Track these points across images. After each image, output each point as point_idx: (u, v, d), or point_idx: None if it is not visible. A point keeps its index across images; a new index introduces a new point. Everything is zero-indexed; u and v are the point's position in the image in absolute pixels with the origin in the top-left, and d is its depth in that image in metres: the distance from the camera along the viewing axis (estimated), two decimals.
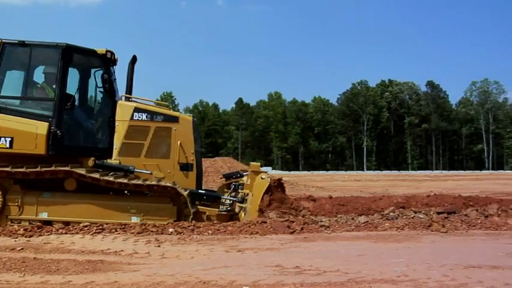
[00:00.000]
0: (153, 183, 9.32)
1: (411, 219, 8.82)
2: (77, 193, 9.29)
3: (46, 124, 9.05)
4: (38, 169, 8.94)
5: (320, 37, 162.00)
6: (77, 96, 9.87)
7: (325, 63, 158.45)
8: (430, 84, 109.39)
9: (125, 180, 9.19)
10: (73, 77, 9.95)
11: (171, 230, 7.94)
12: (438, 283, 4.59)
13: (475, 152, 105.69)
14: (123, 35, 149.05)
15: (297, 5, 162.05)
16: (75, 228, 8.07)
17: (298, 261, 5.63)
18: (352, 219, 8.83)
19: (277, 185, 10.03)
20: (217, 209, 10.10)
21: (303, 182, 30.89)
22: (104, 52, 9.79)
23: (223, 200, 10.44)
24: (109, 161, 9.93)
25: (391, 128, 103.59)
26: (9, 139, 8.97)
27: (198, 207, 9.64)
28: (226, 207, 10.34)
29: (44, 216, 9.04)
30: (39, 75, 9.71)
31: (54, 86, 9.44)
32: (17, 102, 9.68)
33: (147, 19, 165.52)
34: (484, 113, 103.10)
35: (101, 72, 9.86)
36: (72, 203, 9.14)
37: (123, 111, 10.03)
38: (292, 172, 59.27)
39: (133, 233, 7.74)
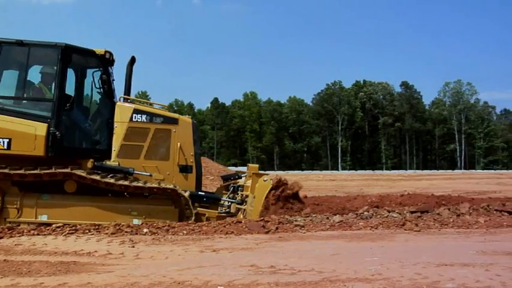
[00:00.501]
0: (156, 185, 9.33)
1: (385, 219, 8.92)
2: (77, 195, 9.22)
3: (45, 125, 8.94)
4: (38, 171, 8.84)
5: (296, 37, 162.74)
6: (75, 97, 9.72)
7: (301, 63, 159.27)
8: (405, 84, 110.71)
9: (126, 183, 9.16)
10: (71, 77, 9.84)
11: (145, 230, 7.89)
12: (411, 281, 4.65)
13: (447, 152, 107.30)
14: (97, 33, 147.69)
15: (273, 5, 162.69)
16: (48, 229, 7.95)
17: (273, 260, 5.65)
18: (327, 218, 8.89)
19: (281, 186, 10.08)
20: (216, 211, 10.16)
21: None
22: (103, 52, 9.70)
23: (223, 202, 10.50)
24: (108, 162, 9.85)
25: (365, 128, 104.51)
26: (7, 140, 8.84)
27: (198, 209, 9.66)
28: (225, 209, 10.39)
29: (43, 218, 8.95)
30: (35, 75, 9.55)
31: (50, 86, 9.35)
32: (15, 102, 9.50)
33: (122, 17, 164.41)
34: (456, 114, 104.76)
35: (99, 72, 9.74)
36: (72, 205, 9.06)
37: (122, 112, 9.98)
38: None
39: (107, 233, 7.67)
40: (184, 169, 10.15)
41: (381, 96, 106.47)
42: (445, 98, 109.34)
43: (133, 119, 9.96)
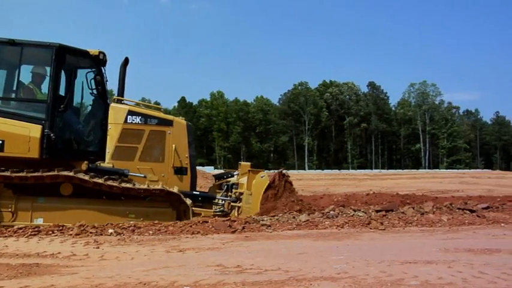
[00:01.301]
0: (159, 187, 9.34)
1: (351, 217, 9.03)
2: (73, 198, 9.09)
3: (39, 127, 8.78)
4: (40, 173, 8.70)
5: (264, 36, 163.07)
6: (69, 99, 9.55)
7: (268, 63, 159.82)
8: (371, 85, 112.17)
9: (129, 185, 9.11)
10: (64, 78, 9.63)
11: (110, 230, 7.80)
12: (376, 279, 4.72)
13: (412, 152, 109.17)
14: (64, 29, 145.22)
15: (240, 4, 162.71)
16: (9, 231, 7.78)
17: (240, 260, 5.65)
18: (293, 217, 8.95)
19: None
20: (211, 210, 10.18)
21: None
22: (97, 53, 9.55)
23: (217, 201, 10.56)
24: (102, 164, 9.74)
25: (331, 127, 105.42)
26: (0, 142, 8.65)
27: (193, 208, 9.64)
28: (220, 208, 10.44)
29: (39, 222, 8.75)
30: (25, 75, 9.37)
31: (42, 87, 9.22)
32: (7, 103, 9.31)
33: (89, 14, 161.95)
34: (421, 114, 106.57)
35: (92, 73, 9.61)
36: (69, 208, 8.94)
37: (117, 114, 9.89)
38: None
39: (71, 234, 7.54)
40: (179, 171, 10.15)
41: (347, 97, 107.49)
42: (410, 99, 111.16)
43: (128, 121, 9.92)
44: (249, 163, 11.35)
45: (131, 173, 9.63)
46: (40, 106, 9.12)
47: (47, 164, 8.85)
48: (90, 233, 7.66)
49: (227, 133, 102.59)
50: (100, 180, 9.00)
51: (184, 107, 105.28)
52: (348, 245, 6.78)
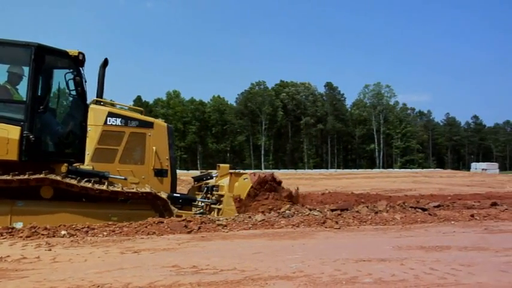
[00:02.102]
0: (147, 191, 9.23)
1: (306, 217, 9.09)
2: (53, 201, 8.81)
3: (18, 128, 8.50)
4: (27, 177, 8.43)
5: (221, 35, 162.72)
6: (48, 99, 9.32)
7: (226, 62, 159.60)
8: (329, 85, 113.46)
9: (118, 189, 8.97)
10: (44, 78, 9.38)
11: (63, 232, 7.61)
12: (331, 277, 4.77)
13: (367, 152, 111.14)
14: (14, 25, 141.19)
15: (198, 3, 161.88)
16: None
17: (195, 260, 5.62)
18: (249, 217, 8.96)
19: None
20: (191, 212, 10.11)
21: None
22: (77, 54, 9.33)
23: (198, 203, 10.55)
24: (81, 166, 9.53)
25: (288, 127, 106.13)
26: None
27: (176, 210, 9.57)
28: (200, 210, 10.42)
29: (19, 226, 8.28)
30: (0, 75, 9.07)
31: (18, 87, 8.99)
32: None
33: (42, 11, 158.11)
34: (376, 115, 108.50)
35: (71, 74, 9.34)
36: (49, 212, 8.64)
37: (96, 115, 9.76)
38: (190, 171, 58.94)
39: (21, 236, 7.31)
40: (160, 173, 10.12)
41: (303, 97, 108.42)
42: (365, 100, 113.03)
43: (108, 122, 9.82)
44: (228, 165, 11.38)
45: (112, 175, 9.49)
46: (18, 107, 8.87)
47: (25, 167, 8.62)
48: (42, 235, 7.45)
49: (184, 133, 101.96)
50: (88, 185, 8.85)
51: (140, 106, 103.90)
52: (303, 244, 6.83)
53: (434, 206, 11.07)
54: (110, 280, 4.75)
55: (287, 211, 9.44)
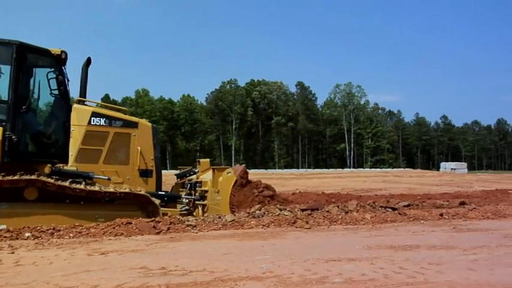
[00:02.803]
0: (138, 191, 9.27)
1: (277, 217, 9.11)
2: (38, 202, 8.68)
3: (0, 129, 8.37)
4: (18, 177, 8.35)
5: (192, 33, 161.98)
6: (31, 99, 9.17)
7: (196, 60, 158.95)
8: (300, 85, 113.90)
9: (111, 189, 8.95)
10: (26, 78, 9.17)
11: (27, 234, 7.47)
12: (301, 277, 4.80)
13: (338, 151, 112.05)
14: None
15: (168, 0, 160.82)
16: None
17: (164, 262, 5.59)
18: (219, 217, 8.94)
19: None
20: (177, 209, 10.24)
21: (171, 181, 30.62)
22: (59, 52, 9.25)
23: (182, 200, 10.64)
24: (65, 167, 9.41)
25: (259, 127, 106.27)
26: None
27: (161, 209, 9.60)
28: (185, 206, 10.53)
29: (1, 228, 8.10)
30: None
31: None
32: None
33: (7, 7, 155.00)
34: (346, 115, 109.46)
35: (53, 73, 9.28)
36: (34, 214, 8.52)
37: (80, 115, 9.63)
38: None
39: None
40: (145, 173, 10.11)
41: (275, 96, 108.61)
42: (336, 99, 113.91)
43: (92, 122, 9.71)
44: (208, 160, 11.54)
45: (96, 176, 9.42)
46: (0, 107, 8.75)
47: (7, 168, 8.48)
48: (5, 237, 7.31)
49: None
50: (81, 186, 8.79)
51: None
52: (273, 244, 6.85)
53: (404, 206, 11.20)
54: (77, 283, 4.68)
55: (257, 211, 9.45)
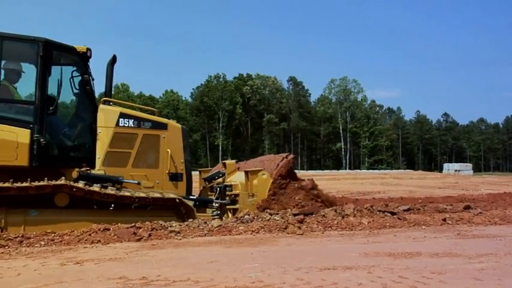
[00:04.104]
0: (173, 196, 9.41)
1: (267, 222, 9.12)
2: (69, 209, 8.74)
3: (27, 131, 8.44)
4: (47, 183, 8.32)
5: (177, 25, 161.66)
6: (58, 100, 9.18)
7: (181, 54, 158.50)
8: (293, 80, 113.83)
9: (143, 195, 9.06)
10: (51, 77, 9.17)
11: None
12: (293, 287, 4.81)
13: (333, 151, 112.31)
14: None
15: None
16: None
17: (145, 271, 5.58)
18: (205, 223, 8.94)
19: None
20: (209, 214, 10.49)
21: None
22: (85, 50, 9.30)
23: (214, 204, 10.86)
24: (92, 171, 9.47)
25: (248, 125, 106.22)
26: None
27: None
28: (216, 211, 10.74)
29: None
30: None
31: (17, 86, 8.99)
32: None
33: None
34: (342, 112, 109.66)
35: (78, 71, 9.36)
36: (66, 221, 8.58)
37: (107, 116, 9.72)
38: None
39: None
40: (175, 177, 10.21)
41: (267, 92, 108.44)
42: (331, 96, 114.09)
43: (120, 124, 9.80)
44: (234, 161, 11.70)
45: (126, 180, 9.55)
46: (25, 108, 8.85)
47: (35, 173, 8.52)
48: None
49: None
50: (127, 193, 8.97)
51: None
52: (263, 252, 6.86)
53: (404, 210, 11.24)
54: None
55: (246, 216, 9.46)
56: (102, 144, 9.69)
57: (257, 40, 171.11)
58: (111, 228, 8.23)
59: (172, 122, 10.74)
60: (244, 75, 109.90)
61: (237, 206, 10.60)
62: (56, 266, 6.06)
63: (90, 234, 7.98)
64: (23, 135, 8.53)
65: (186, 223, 8.93)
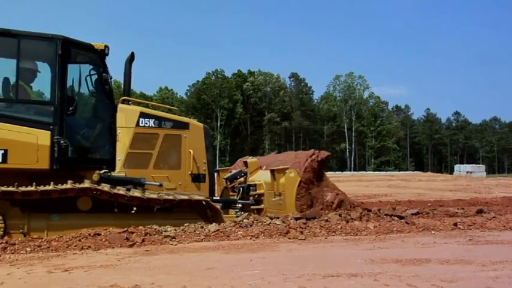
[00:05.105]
0: (199, 197, 9.50)
1: (267, 226, 9.12)
2: (92, 213, 8.84)
3: (47, 133, 8.51)
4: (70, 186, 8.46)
5: (172, 17, 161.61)
6: (77, 100, 9.26)
7: (178, 51, 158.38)
8: (294, 76, 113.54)
9: (170, 197, 9.20)
10: (69, 76, 9.24)
11: None
12: None
13: (337, 152, 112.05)
14: None
15: None
16: None
17: (138, 278, 5.57)
18: (202, 227, 8.93)
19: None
20: (233, 215, 10.56)
21: None
22: (103, 47, 9.34)
23: (237, 204, 11.07)
24: (113, 173, 9.58)
25: (247, 124, 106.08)
26: (2, 152, 8.31)
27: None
28: (239, 212, 10.88)
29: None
30: (6, 71, 8.98)
31: (32, 85, 9.06)
32: (1, 105, 8.97)
33: None
34: (347, 110, 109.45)
35: (97, 70, 9.41)
36: (89, 225, 8.61)
37: (127, 116, 9.89)
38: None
39: None
40: (197, 178, 10.39)
41: (269, 89, 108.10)
42: (335, 93, 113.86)
43: (140, 124, 10.00)
44: (255, 159, 11.97)
45: (148, 182, 9.66)
46: (44, 108, 8.92)
47: (54, 176, 8.59)
48: None
49: None
50: (153, 196, 9.07)
51: None
52: (263, 258, 6.86)
53: (413, 214, 11.25)
54: None
55: (245, 220, 9.46)
56: (123, 145, 9.82)
57: (258, 36, 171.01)
58: (102, 234, 8.24)
59: (193, 121, 10.94)
60: (244, 71, 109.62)
61: (261, 206, 10.79)
62: (43, 273, 6.05)
63: (80, 240, 7.98)
64: (43, 137, 8.57)
65: (181, 227, 8.94)
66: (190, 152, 10.32)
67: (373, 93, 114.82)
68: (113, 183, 9.27)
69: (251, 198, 11.11)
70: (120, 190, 8.93)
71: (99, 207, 9.01)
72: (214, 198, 10.52)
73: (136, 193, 9.04)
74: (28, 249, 7.55)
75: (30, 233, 8.49)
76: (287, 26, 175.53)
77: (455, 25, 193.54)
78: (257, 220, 9.48)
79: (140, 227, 8.68)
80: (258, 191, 10.99)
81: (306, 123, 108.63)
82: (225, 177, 12.39)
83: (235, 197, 11.51)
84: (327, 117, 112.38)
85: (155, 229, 8.72)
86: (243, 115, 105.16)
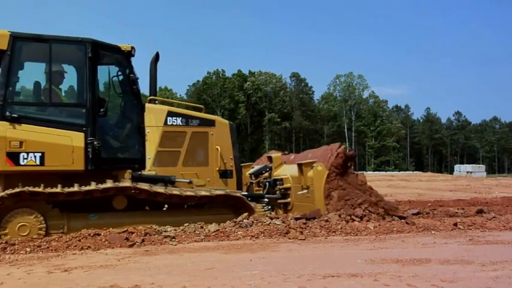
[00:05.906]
0: (234, 193, 9.72)
1: (267, 226, 9.12)
2: (127, 211, 9.03)
3: (81, 134, 8.69)
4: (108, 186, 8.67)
5: (173, 17, 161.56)
6: (108, 101, 9.43)
7: (179, 51, 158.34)
8: (295, 76, 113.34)
9: (206, 193, 9.37)
10: (99, 78, 9.45)
11: None
12: None
13: None
14: None
15: None
16: None
17: (138, 279, 5.58)
18: (201, 227, 8.94)
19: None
20: (261, 210, 10.78)
21: None
22: (129, 49, 9.50)
23: (264, 199, 11.22)
24: (143, 172, 9.83)
25: (247, 124, 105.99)
26: (39, 154, 8.45)
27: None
28: (265, 206, 11.08)
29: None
30: (36, 75, 9.17)
31: (62, 88, 9.29)
32: (36, 109, 9.09)
33: None
34: (347, 110, 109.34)
35: (125, 71, 9.54)
36: (125, 224, 8.73)
37: (155, 115, 10.24)
38: None
39: None
40: (225, 174, 10.69)
41: (269, 89, 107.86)
42: (335, 93, 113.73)
43: (168, 123, 10.37)
44: (280, 154, 12.21)
45: (178, 179, 9.90)
46: (77, 111, 9.08)
47: (88, 177, 8.74)
48: None
49: None
50: (190, 193, 9.25)
51: None
52: (263, 258, 6.86)
53: (413, 214, 11.27)
54: None
55: (245, 220, 9.45)
56: (152, 144, 10.07)
57: (258, 36, 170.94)
58: (102, 234, 8.25)
59: (219, 118, 11.19)
60: (245, 72, 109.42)
61: (288, 200, 10.95)
62: (43, 274, 6.06)
63: (79, 240, 7.99)
64: (77, 139, 8.71)
65: (181, 228, 8.95)
66: (217, 148, 10.58)
67: (373, 92, 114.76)
68: (145, 181, 9.47)
69: (277, 192, 11.26)
70: (159, 188, 9.09)
71: (132, 206, 9.16)
72: (242, 193, 10.55)
73: (175, 191, 9.18)
74: (28, 249, 7.56)
75: (69, 233, 8.55)
76: (288, 26, 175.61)
77: (456, 25, 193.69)
78: (257, 220, 9.48)
79: (140, 227, 8.69)
80: (285, 185, 11.13)
81: (306, 123, 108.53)
82: (249, 172, 12.51)
83: (260, 192, 11.65)
84: (327, 117, 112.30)
85: (155, 229, 8.73)
86: (245, 116, 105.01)
